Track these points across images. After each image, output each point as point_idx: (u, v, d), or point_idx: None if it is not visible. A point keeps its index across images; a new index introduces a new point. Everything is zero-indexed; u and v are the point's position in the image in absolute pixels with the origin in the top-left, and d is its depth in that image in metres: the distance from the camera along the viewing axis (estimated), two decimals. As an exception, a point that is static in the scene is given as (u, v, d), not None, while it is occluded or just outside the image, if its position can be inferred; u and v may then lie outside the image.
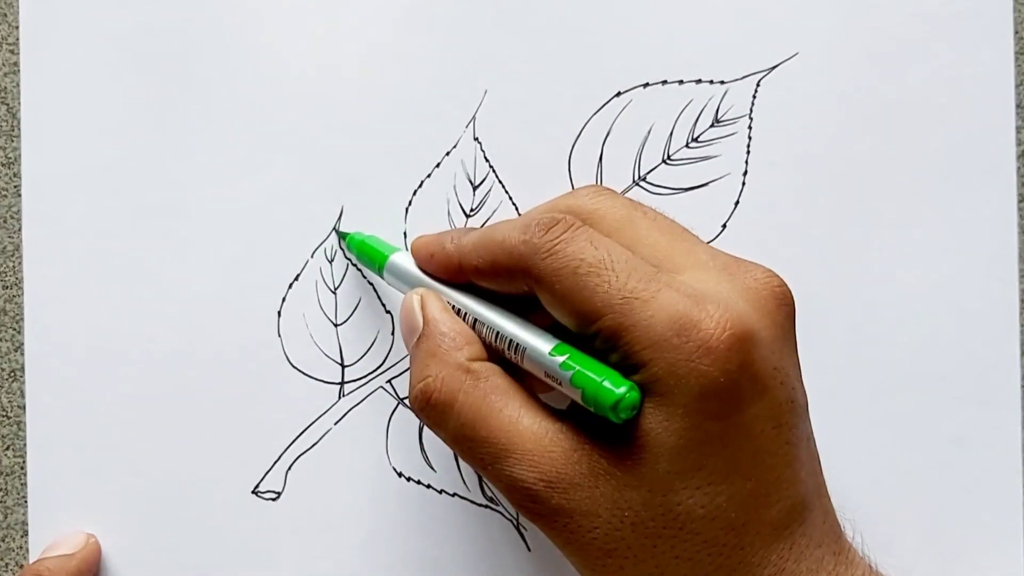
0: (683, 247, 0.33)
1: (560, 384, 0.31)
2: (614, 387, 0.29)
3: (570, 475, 0.30)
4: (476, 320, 0.34)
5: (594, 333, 0.30)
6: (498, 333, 0.33)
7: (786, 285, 0.32)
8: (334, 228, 0.42)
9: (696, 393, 0.28)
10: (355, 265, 0.42)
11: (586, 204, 0.34)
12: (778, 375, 0.30)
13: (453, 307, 0.35)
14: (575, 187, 0.42)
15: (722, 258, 0.32)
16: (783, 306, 0.31)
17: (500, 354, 0.33)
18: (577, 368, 0.30)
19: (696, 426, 0.29)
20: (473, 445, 0.32)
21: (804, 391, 0.32)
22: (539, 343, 0.32)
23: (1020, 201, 0.42)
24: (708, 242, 0.42)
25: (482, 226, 0.41)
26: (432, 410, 0.33)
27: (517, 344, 0.32)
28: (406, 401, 0.42)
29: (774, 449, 0.30)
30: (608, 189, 0.35)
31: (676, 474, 0.29)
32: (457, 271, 0.35)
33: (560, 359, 0.31)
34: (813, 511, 0.31)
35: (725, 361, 0.29)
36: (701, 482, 0.29)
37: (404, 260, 0.38)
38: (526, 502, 0.31)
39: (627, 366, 0.30)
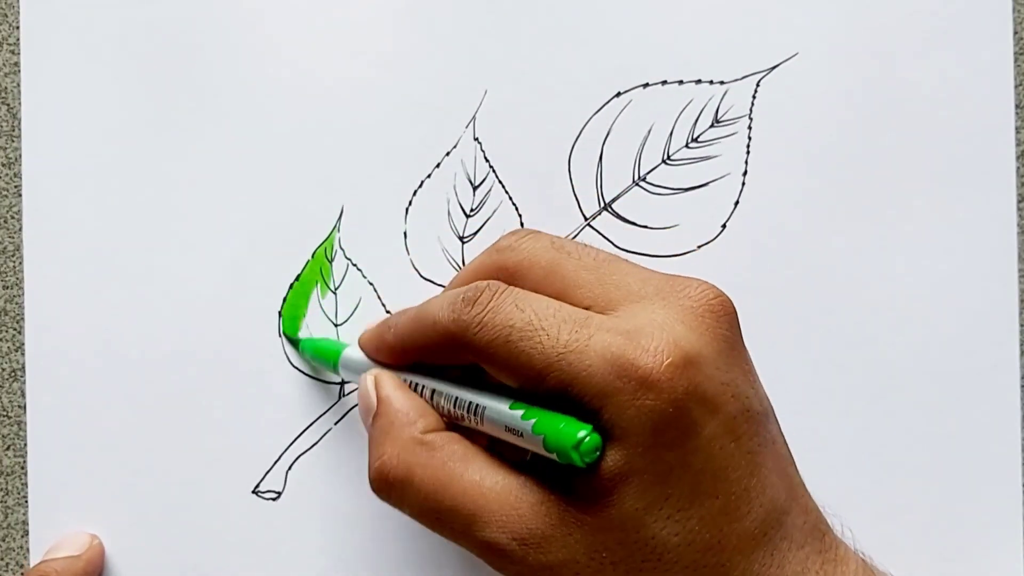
0: (613, 281, 0.32)
1: (522, 436, 0.30)
2: (574, 432, 0.29)
3: (542, 528, 0.30)
4: (433, 391, 0.34)
5: (543, 393, 0.30)
6: (456, 399, 0.33)
7: (723, 295, 0.31)
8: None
9: (649, 429, 0.28)
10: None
11: (510, 258, 0.34)
12: (728, 389, 0.30)
13: (409, 384, 0.35)
14: (575, 188, 0.42)
15: (655, 282, 0.32)
16: (723, 317, 0.31)
17: (459, 422, 0.33)
18: (536, 418, 0.30)
19: (656, 460, 0.29)
20: (440, 516, 0.31)
21: (761, 395, 0.31)
22: (496, 402, 0.32)
23: (1020, 201, 0.42)
24: (705, 244, 0.42)
25: (480, 229, 0.42)
26: (392, 488, 0.33)
27: (476, 405, 0.32)
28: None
29: (736, 463, 0.30)
30: (532, 232, 0.35)
31: (644, 509, 0.29)
32: (402, 356, 0.35)
33: (519, 412, 0.31)
34: (790, 513, 0.31)
35: (670, 391, 0.28)
36: (671, 511, 0.29)
37: (356, 353, 0.38)
38: (505, 564, 0.30)
39: (582, 416, 0.30)
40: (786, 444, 0.32)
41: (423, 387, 0.35)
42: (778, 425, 0.32)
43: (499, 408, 0.31)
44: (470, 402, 0.33)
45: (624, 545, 0.29)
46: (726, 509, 0.29)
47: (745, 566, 0.30)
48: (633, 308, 0.31)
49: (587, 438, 0.29)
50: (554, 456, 0.29)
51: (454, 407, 0.33)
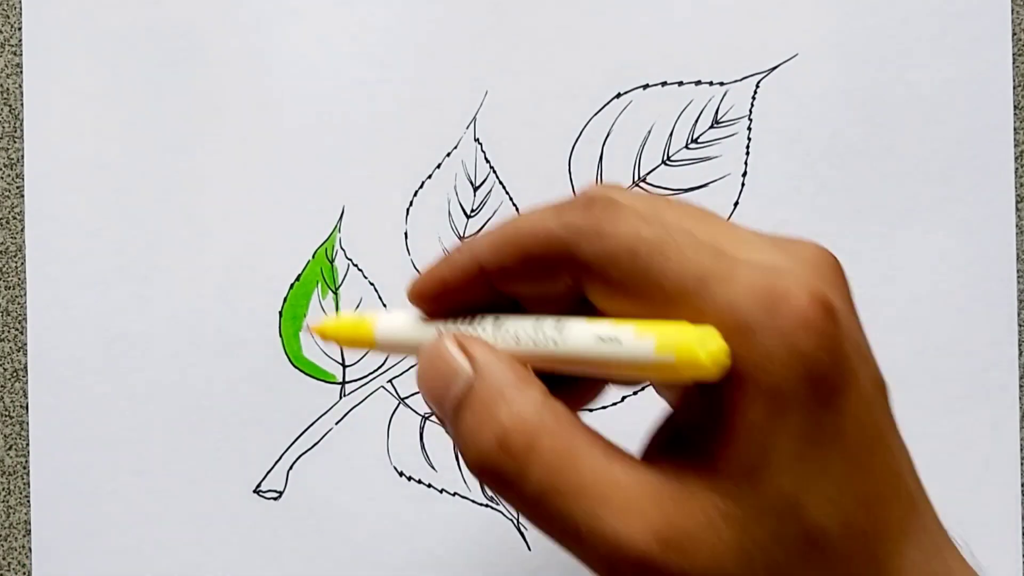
0: (723, 227, 0.27)
1: (622, 357, 0.24)
2: (692, 332, 0.24)
3: (686, 525, 0.24)
4: (505, 329, 0.27)
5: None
6: (540, 328, 0.26)
7: (836, 257, 0.28)
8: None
9: (804, 377, 0.24)
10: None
11: (601, 194, 0.27)
12: (862, 352, 0.26)
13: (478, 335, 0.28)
14: (575, 188, 0.42)
15: (767, 236, 0.27)
16: (843, 277, 0.27)
17: (542, 367, 0.27)
18: (645, 326, 0.24)
19: (812, 419, 0.24)
20: (563, 500, 0.24)
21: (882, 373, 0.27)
22: (589, 322, 0.26)
23: (1019, 201, 0.42)
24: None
25: (480, 229, 0.42)
26: (511, 459, 0.25)
27: (565, 328, 0.26)
28: (407, 401, 0.42)
29: (886, 435, 0.26)
30: (618, 184, 0.31)
31: (802, 486, 0.24)
32: (480, 284, 0.29)
33: (625, 326, 0.25)
34: (926, 502, 0.27)
35: (823, 336, 0.24)
36: (828, 488, 0.24)
37: (397, 318, 0.30)
38: (635, 573, 0.24)
39: None
40: None
41: (486, 329, 0.28)
42: None
43: (592, 328, 0.25)
44: (558, 326, 0.26)
45: (781, 539, 0.24)
46: (879, 490, 0.25)
47: (899, 561, 0.25)
48: (758, 252, 0.26)
49: (709, 334, 0.23)
50: (671, 372, 0.24)
51: (548, 343, 0.26)
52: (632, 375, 0.26)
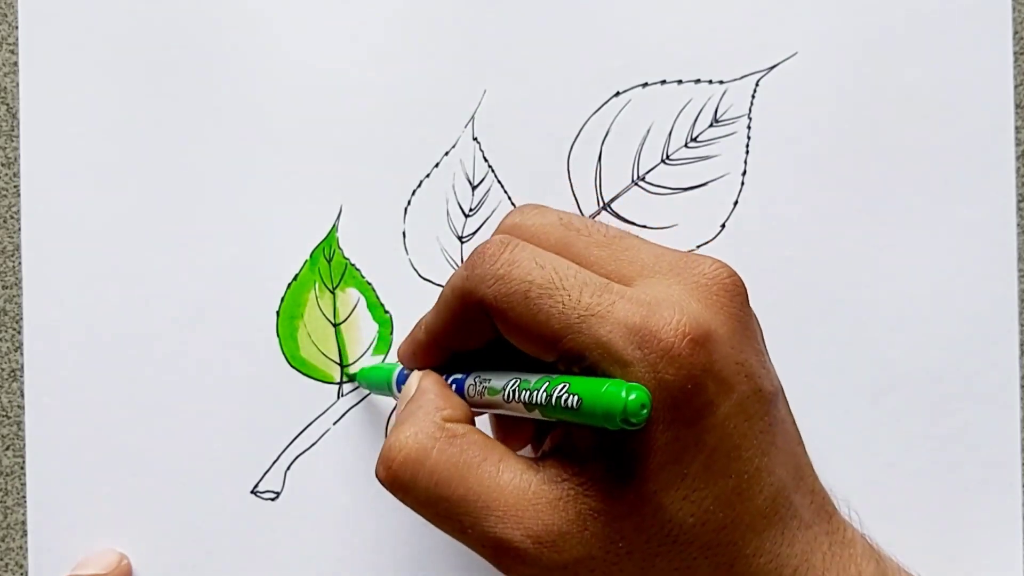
0: (626, 257, 0.32)
1: (553, 406, 0.29)
2: (618, 391, 0.27)
3: (558, 525, 0.29)
4: (466, 385, 0.33)
5: (555, 359, 0.30)
6: (484, 381, 0.32)
7: (736, 274, 0.31)
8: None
9: (668, 404, 0.28)
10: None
11: (521, 234, 0.33)
12: (741, 369, 0.29)
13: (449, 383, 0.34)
14: (574, 188, 0.42)
15: (668, 258, 0.31)
16: (736, 296, 0.31)
17: (491, 408, 0.32)
18: (570, 382, 0.28)
19: (673, 438, 0.28)
20: (449, 506, 0.30)
21: (772, 375, 0.31)
22: (525, 376, 0.30)
23: (1020, 201, 0.42)
24: (704, 243, 0.42)
25: (479, 229, 0.42)
26: (401, 468, 0.31)
27: (508, 383, 0.31)
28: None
29: (748, 443, 0.29)
30: (538, 208, 0.34)
31: (662, 490, 0.28)
32: (437, 353, 0.34)
33: (561, 385, 0.29)
34: (798, 493, 0.31)
35: (689, 367, 0.28)
36: (686, 491, 0.29)
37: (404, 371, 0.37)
38: (515, 565, 0.29)
39: None
40: (795, 424, 0.32)
41: (455, 383, 0.33)
42: (787, 404, 0.32)
43: (528, 379, 0.30)
44: (501, 382, 0.31)
45: (641, 531, 0.29)
46: (739, 488, 0.29)
47: (757, 544, 0.29)
48: (648, 283, 0.30)
49: (634, 396, 0.27)
50: (593, 421, 0.27)
51: (483, 392, 0.32)
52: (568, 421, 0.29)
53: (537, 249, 0.31)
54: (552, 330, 0.29)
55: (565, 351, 0.29)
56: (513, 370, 0.31)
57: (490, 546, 0.29)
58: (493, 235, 0.33)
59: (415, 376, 0.34)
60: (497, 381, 0.31)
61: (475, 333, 0.32)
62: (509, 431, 0.35)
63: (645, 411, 0.27)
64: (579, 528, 0.29)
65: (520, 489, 0.29)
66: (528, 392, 0.29)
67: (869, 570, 0.31)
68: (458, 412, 0.32)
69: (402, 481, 0.31)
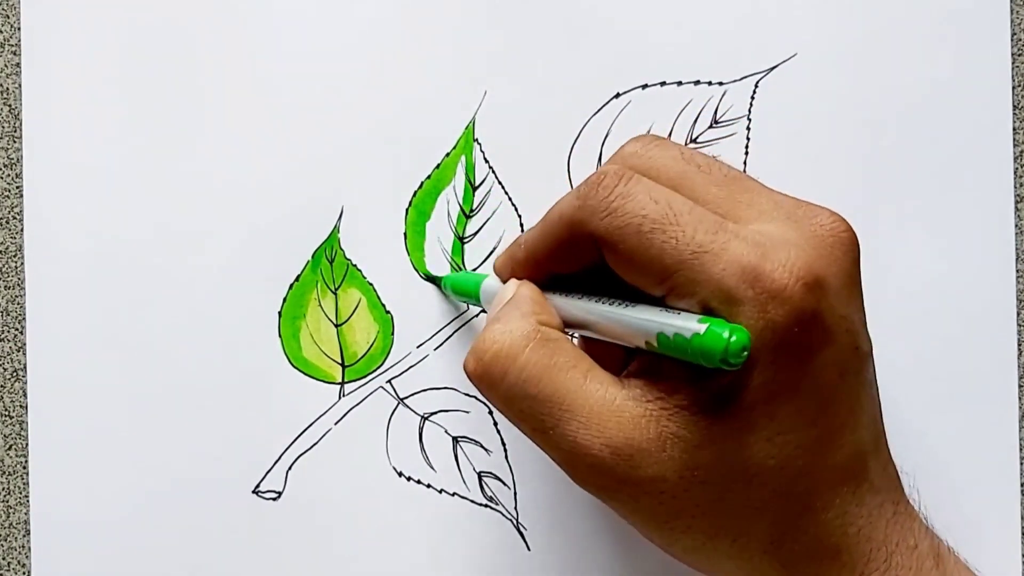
0: (745, 198, 0.31)
1: (654, 341, 0.29)
2: (721, 332, 0.27)
3: (638, 441, 0.29)
4: (570, 319, 0.33)
5: (665, 293, 0.29)
6: (584, 304, 0.32)
7: (851, 230, 0.31)
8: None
9: (770, 345, 0.28)
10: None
11: (636, 164, 0.32)
12: (844, 323, 0.29)
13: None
14: (574, 188, 0.42)
15: (786, 205, 0.31)
16: (849, 252, 0.30)
17: (585, 331, 0.32)
18: (675, 318, 0.28)
19: (770, 379, 0.28)
20: (534, 404, 0.30)
21: (869, 338, 0.31)
22: (626, 306, 0.30)
23: (1018, 201, 0.42)
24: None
25: (480, 229, 0.42)
26: (493, 362, 0.31)
27: (605, 306, 0.31)
28: (406, 401, 0.42)
29: (839, 396, 0.30)
30: (660, 140, 0.33)
31: (748, 429, 0.29)
32: (535, 268, 0.34)
33: (656, 311, 0.29)
34: (873, 458, 0.31)
35: (798, 311, 0.28)
36: (771, 433, 0.29)
37: (495, 281, 0.37)
38: (589, 473, 0.30)
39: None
40: (878, 392, 0.32)
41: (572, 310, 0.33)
42: (875, 371, 0.32)
43: (628, 312, 0.30)
44: (599, 304, 0.31)
45: (719, 464, 0.29)
46: (823, 440, 0.29)
47: (829, 497, 0.30)
48: (764, 225, 0.30)
49: (735, 337, 0.27)
50: (692, 358, 0.28)
51: (583, 313, 0.32)
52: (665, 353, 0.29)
53: (653, 183, 0.30)
54: (663, 265, 0.29)
55: (675, 286, 0.29)
56: (611, 296, 0.31)
57: (567, 450, 0.30)
58: (608, 163, 0.33)
59: (513, 283, 0.34)
60: (594, 305, 0.31)
61: (577, 259, 0.32)
62: (596, 356, 0.34)
63: (745, 354, 0.27)
64: (658, 448, 0.29)
65: (605, 400, 0.30)
66: (628, 320, 0.30)
67: (926, 544, 0.31)
68: (553, 320, 0.32)
69: (491, 375, 0.31)
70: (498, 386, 0.31)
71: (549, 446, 0.30)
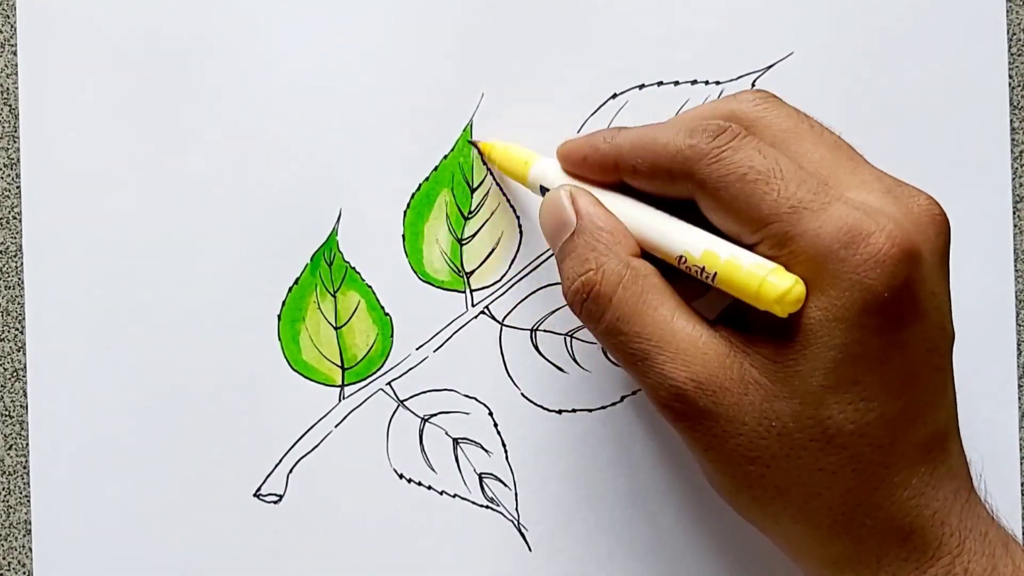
0: (849, 165, 0.32)
1: (718, 280, 0.30)
2: (780, 281, 0.29)
3: (720, 379, 0.30)
4: (630, 218, 0.34)
5: (756, 242, 0.30)
6: (655, 228, 0.33)
7: (946, 215, 0.31)
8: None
9: (860, 307, 0.28)
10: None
11: (750, 112, 0.33)
12: (934, 299, 0.30)
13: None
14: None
15: (887, 180, 0.32)
16: (942, 234, 0.31)
17: (653, 255, 0.33)
18: (743, 262, 0.30)
19: (856, 341, 0.29)
20: (626, 339, 0.32)
21: (952, 321, 0.31)
22: (698, 236, 0.32)
23: (1016, 201, 0.42)
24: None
25: (480, 229, 0.42)
26: (592, 302, 0.32)
27: (675, 235, 0.32)
28: (406, 403, 0.42)
29: (926, 373, 0.30)
30: (773, 96, 0.34)
31: (830, 388, 0.29)
32: (612, 170, 0.35)
33: (725, 254, 0.30)
34: (953, 441, 0.31)
35: (891, 276, 0.28)
36: (854, 398, 0.29)
37: (551, 166, 0.37)
38: (672, 402, 0.31)
39: None
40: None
41: (618, 211, 0.34)
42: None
43: (701, 242, 0.31)
44: (670, 233, 0.32)
45: (797, 419, 0.29)
46: (906, 414, 0.30)
47: (907, 475, 0.30)
48: (865, 193, 0.31)
49: (794, 287, 0.28)
50: (754, 301, 0.29)
51: (652, 237, 0.33)
52: (716, 285, 0.31)
53: (761, 142, 0.31)
54: (760, 214, 0.30)
55: (768, 236, 0.30)
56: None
57: (654, 380, 0.31)
58: (722, 102, 0.34)
59: (564, 194, 0.35)
60: (663, 228, 0.33)
61: (663, 188, 0.33)
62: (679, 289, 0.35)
63: (799, 305, 0.29)
64: (740, 390, 0.30)
65: (691, 337, 0.31)
66: (694, 256, 0.31)
67: (994, 533, 0.32)
68: (633, 245, 0.33)
69: (592, 313, 0.33)
70: (597, 324, 0.33)
71: (636, 375, 0.32)
